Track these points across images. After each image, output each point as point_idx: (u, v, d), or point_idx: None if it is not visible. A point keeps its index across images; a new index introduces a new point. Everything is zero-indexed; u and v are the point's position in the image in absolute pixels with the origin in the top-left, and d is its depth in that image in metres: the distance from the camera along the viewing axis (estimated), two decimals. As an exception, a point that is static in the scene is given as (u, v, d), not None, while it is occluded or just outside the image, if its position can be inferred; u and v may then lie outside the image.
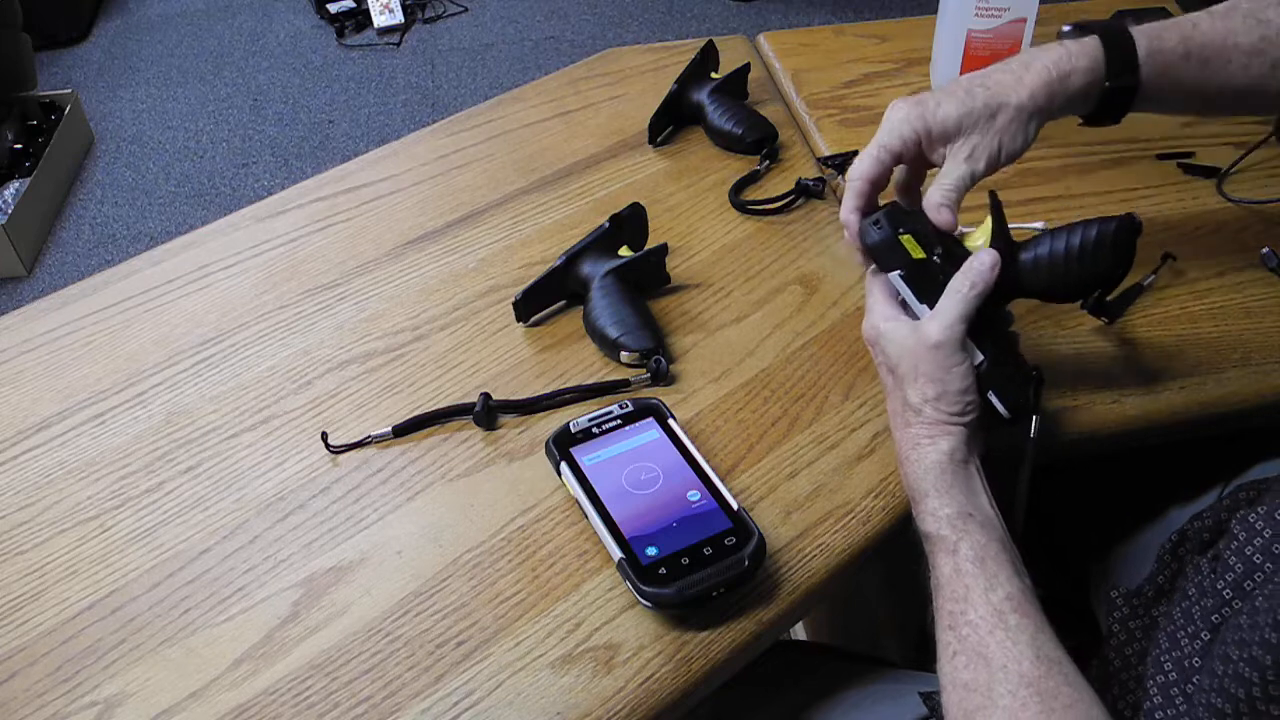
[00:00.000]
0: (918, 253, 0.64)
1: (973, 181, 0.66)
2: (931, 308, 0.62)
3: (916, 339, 0.61)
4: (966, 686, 0.53)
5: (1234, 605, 0.54)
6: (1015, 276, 0.64)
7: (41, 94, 2.45)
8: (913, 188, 0.72)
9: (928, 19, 1.07)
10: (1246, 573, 0.54)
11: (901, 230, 0.64)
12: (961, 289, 0.61)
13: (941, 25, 0.98)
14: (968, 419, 0.60)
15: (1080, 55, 0.64)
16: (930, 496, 0.59)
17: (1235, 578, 0.55)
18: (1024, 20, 0.93)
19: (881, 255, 0.65)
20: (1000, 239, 0.64)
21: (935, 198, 0.65)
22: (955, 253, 0.64)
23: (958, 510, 0.57)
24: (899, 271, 0.64)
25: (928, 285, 0.63)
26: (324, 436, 0.70)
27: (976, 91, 0.65)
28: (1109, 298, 0.66)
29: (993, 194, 0.66)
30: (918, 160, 0.68)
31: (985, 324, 0.62)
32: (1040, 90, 0.64)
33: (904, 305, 0.65)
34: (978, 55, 0.96)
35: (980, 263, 0.61)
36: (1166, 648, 0.57)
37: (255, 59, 2.87)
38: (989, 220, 0.66)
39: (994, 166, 0.66)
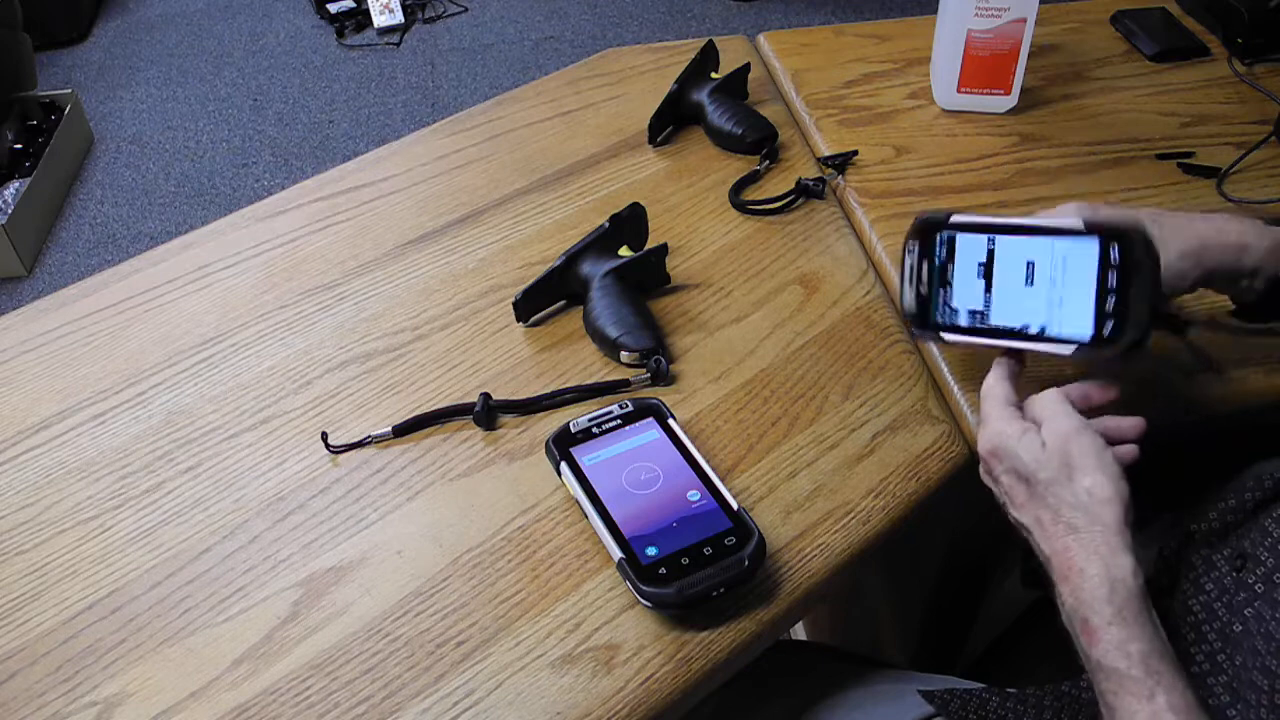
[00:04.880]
0: None
1: None
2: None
3: (1049, 438, 0.57)
4: None
5: (1263, 595, 0.55)
6: None
7: (41, 94, 2.45)
8: None
9: (928, 19, 1.07)
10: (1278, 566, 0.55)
11: None
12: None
13: (941, 25, 0.98)
14: (1130, 519, 0.55)
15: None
16: (1115, 625, 0.52)
17: (1266, 571, 0.55)
18: (1024, 20, 0.93)
19: (936, 219, 0.66)
20: None
21: None
22: None
23: (1149, 648, 0.51)
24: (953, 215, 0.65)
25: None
26: (324, 436, 0.70)
27: (1150, 226, 0.62)
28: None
29: None
30: None
31: None
32: (1204, 260, 0.64)
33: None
34: (978, 55, 0.96)
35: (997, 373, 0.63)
36: (1193, 640, 0.58)
37: (255, 59, 2.87)
38: None
39: None
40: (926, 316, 0.66)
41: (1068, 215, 0.63)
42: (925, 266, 0.65)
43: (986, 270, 0.63)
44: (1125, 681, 0.51)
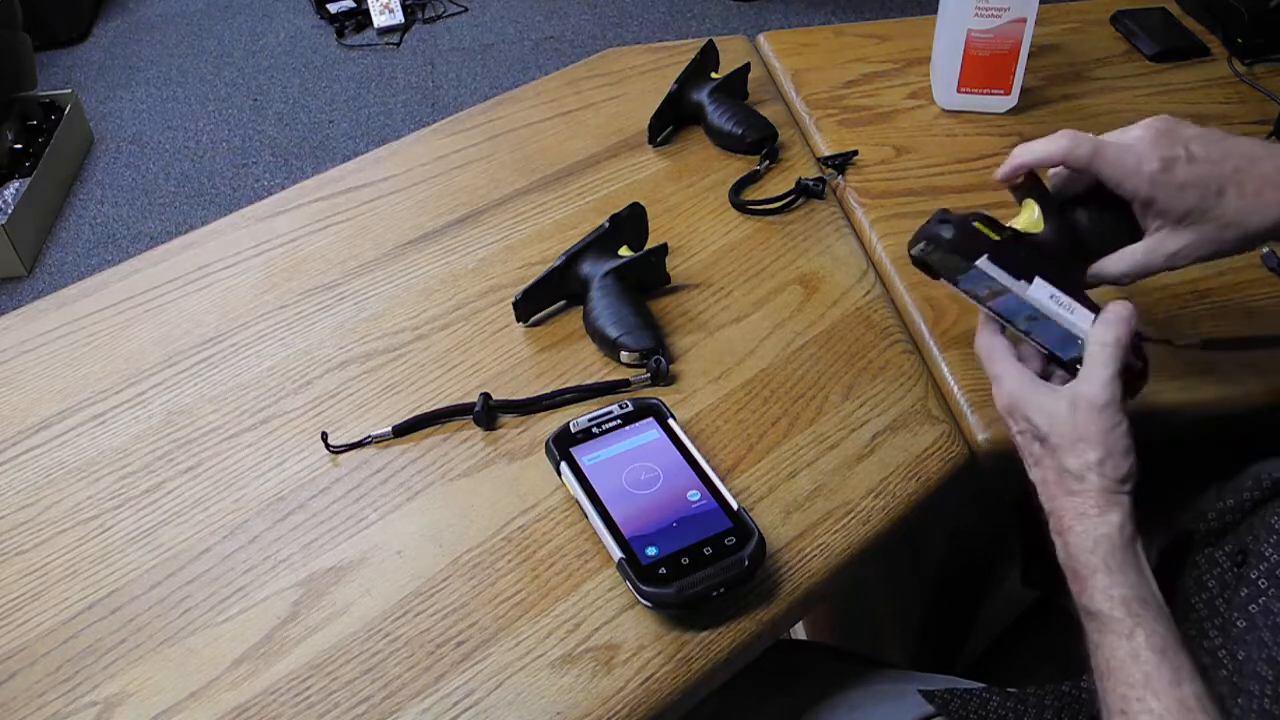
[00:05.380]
0: (993, 235, 0.62)
1: (1154, 274, 0.63)
2: (1030, 283, 0.60)
3: (1074, 402, 0.57)
4: None
5: (1270, 593, 0.56)
6: (1081, 241, 0.64)
7: (41, 94, 2.45)
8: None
9: (928, 19, 1.07)
10: None
11: (970, 220, 0.62)
12: (1107, 341, 0.57)
13: (941, 25, 0.98)
14: (1130, 485, 0.57)
15: None
16: (1100, 573, 0.55)
17: (1269, 566, 0.56)
18: (1024, 20, 0.93)
19: (962, 248, 0.61)
20: (1053, 215, 0.63)
21: (1112, 268, 0.63)
22: (1018, 234, 0.63)
23: (1132, 593, 0.55)
24: (985, 255, 0.61)
25: (1016, 262, 0.61)
26: (324, 436, 0.70)
27: (1229, 192, 0.59)
28: None
29: (1032, 174, 0.64)
30: (1089, 180, 0.64)
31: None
32: None
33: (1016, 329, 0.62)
34: (978, 55, 0.96)
35: (1117, 314, 0.58)
36: (1194, 636, 0.58)
37: (255, 59, 2.87)
38: (1028, 203, 0.65)
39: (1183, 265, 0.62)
40: (928, 261, 0.65)
41: (1058, 141, 0.62)
42: (941, 251, 0.64)
43: (994, 293, 0.63)
44: (1108, 622, 0.54)
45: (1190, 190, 0.59)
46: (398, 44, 2.90)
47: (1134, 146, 0.60)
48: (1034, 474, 0.61)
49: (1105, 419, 0.57)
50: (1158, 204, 0.60)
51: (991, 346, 0.63)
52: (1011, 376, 0.61)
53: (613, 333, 0.74)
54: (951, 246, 0.62)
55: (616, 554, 0.60)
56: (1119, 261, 0.64)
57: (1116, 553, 0.55)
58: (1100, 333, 0.58)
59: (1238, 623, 0.57)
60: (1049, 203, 0.65)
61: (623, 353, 0.74)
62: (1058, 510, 0.58)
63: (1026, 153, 0.63)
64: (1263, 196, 0.58)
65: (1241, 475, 0.68)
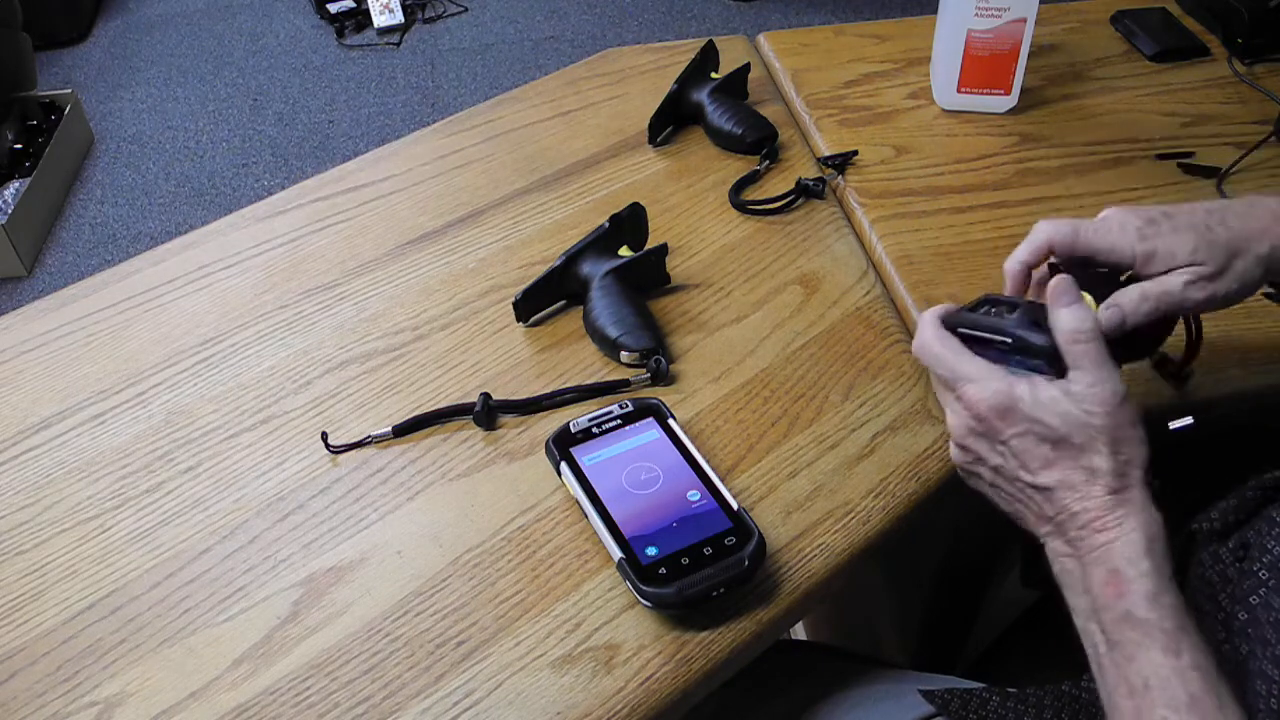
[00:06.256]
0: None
1: (1175, 308, 0.60)
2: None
3: (1089, 404, 0.54)
4: None
5: (1270, 585, 0.55)
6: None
7: (41, 94, 2.45)
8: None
9: (928, 19, 1.07)
10: None
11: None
12: (1084, 329, 0.55)
13: (941, 25, 0.98)
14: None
15: None
16: (1150, 577, 0.52)
17: (1272, 559, 0.56)
18: (1024, 20, 0.93)
19: (1057, 360, 0.57)
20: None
21: (1134, 293, 0.60)
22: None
23: (1178, 602, 0.51)
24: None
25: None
26: (324, 436, 0.70)
27: (1217, 229, 0.60)
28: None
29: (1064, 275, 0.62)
30: (1079, 264, 0.63)
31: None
32: None
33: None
34: (978, 55, 0.96)
35: (1061, 291, 0.56)
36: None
37: (255, 59, 2.87)
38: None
39: (1207, 308, 0.61)
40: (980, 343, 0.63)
41: (1041, 231, 0.62)
42: (1025, 359, 0.60)
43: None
44: (1154, 633, 0.50)
45: (1185, 233, 0.60)
46: (398, 44, 2.90)
47: (1108, 217, 0.61)
48: (1047, 477, 0.56)
49: (1127, 411, 0.54)
50: (1159, 254, 0.60)
51: (957, 346, 0.59)
52: (993, 376, 0.57)
53: (613, 333, 0.74)
54: (1048, 356, 0.57)
55: (616, 554, 0.60)
56: (1132, 292, 0.61)
57: (1166, 557, 0.52)
58: (1072, 322, 0.55)
59: (1239, 615, 0.57)
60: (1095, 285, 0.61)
61: (623, 353, 0.74)
62: (1094, 509, 0.54)
63: (1015, 262, 0.63)
64: (1249, 224, 0.60)
65: (1243, 475, 0.68)
